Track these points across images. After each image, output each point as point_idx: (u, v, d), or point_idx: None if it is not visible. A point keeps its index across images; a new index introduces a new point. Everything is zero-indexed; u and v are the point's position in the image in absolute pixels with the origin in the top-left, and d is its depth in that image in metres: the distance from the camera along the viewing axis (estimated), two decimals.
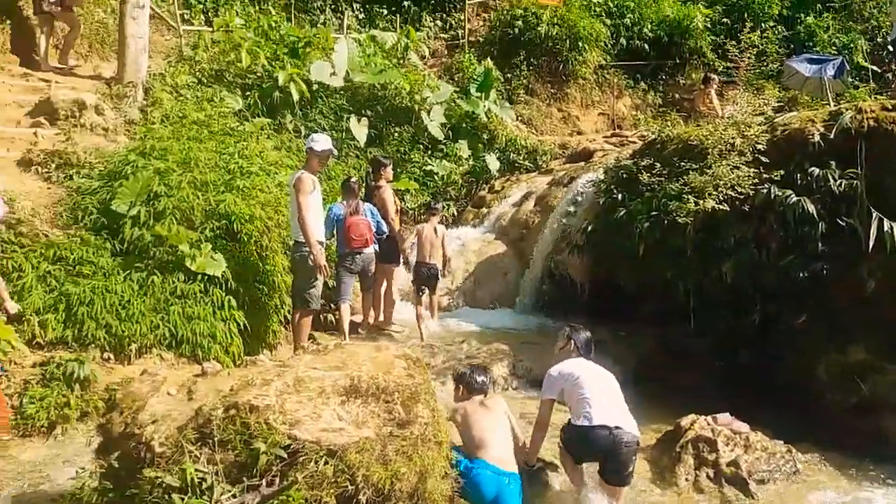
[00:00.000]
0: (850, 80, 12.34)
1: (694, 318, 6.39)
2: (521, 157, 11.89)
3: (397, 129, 11.12)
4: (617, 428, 3.86)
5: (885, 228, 5.47)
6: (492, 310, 8.61)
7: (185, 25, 11.59)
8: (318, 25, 12.93)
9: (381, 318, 7.65)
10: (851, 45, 13.05)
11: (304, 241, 6.06)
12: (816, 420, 5.40)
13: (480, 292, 8.90)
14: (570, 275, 8.12)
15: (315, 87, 10.28)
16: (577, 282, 8.05)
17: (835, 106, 9.87)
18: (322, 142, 6.33)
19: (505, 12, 14.62)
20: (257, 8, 12.91)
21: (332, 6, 14.00)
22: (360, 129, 10.30)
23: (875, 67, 12.92)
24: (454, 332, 7.72)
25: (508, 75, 13.69)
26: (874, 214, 5.58)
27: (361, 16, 14.32)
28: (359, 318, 7.56)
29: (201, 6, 12.73)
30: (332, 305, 7.30)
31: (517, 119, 13.08)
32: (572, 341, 4.40)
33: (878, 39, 13.14)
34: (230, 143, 7.73)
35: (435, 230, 7.62)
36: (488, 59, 13.08)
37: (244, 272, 6.43)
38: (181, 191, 6.51)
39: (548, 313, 8.18)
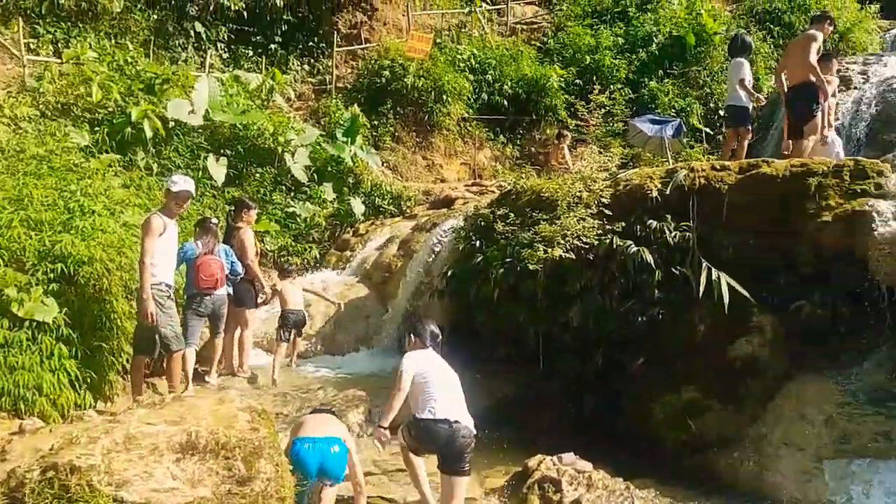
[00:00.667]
0: (686, 140, 13.50)
1: (544, 361, 6.62)
2: (385, 202, 12.00)
3: (259, 169, 10.92)
4: (456, 422, 4.38)
5: (714, 277, 5.95)
6: (351, 354, 8.51)
7: (29, 55, 10.84)
8: (180, 63, 12.52)
9: (235, 363, 7.35)
10: (688, 109, 14.33)
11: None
12: (653, 458, 5.74)
13: (341, 336, 8.79)
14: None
15: (171, 124, 9.90)
16: None
17: (673, 163, 10.81)
18: (180, 182, 6.06)
19: (373, 61, 14.87)
20: (113, 42, 12.31)
21: (195, 44, 13.62)
22: (218, 169, 10.00)
23: (708, 129, 14.25)
24: (311, 378, 7.54)
25: (375, 122, 13.87)
26: (704, 264, 6.07)
27: (226, 55, 14.03)
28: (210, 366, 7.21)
29: (50, 36, 11.96)
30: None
31: (383, 165, 13.24)
32: (418, 337, 4.82)
33: (711, 104, 14.53)
34: (73, 179, 7.24)
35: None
36: (355, 105, 13.21)
37: (80, 318, 5.96)
38: (11, 230, 6.01)
39: None
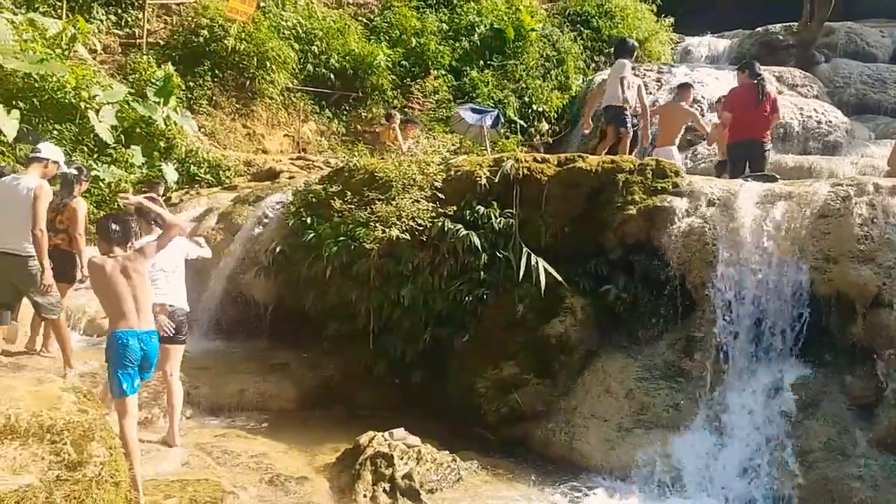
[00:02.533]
0: (503, 130, 14.22)
1: (374, 339, 6.72)
2: (202, 171, 11.35)
3: (57, 126, 9.82)
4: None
5: (533, 262, 6.40)
6: None
7: None
8: None
9: (39, 343, 6.61)
10: (506, 101, 15.08)
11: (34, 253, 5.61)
12: (477, 430, 6.11)
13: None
14: (254, 296, 7.93)
15: None
16: (260, 304, 7.90)
17: (490, 152, 11.35)
18: (57, 153, 6.10)
19: (189, 19, 13.89)
20: None
21: None
22: (8, 123, 8.86)
23: (522, 122, 15.11)
24: None
25: (191, 83, 12.99)
26: (524, 249, 6.51)
27: None
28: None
29: None
30: None
31: (199, 130, 12.47)
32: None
33: (526, 98, 15.39)
34: None
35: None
36: (169, 63, 12.27)
37: None
38: None
39: (228, 337, 7.88)
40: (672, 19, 17.89)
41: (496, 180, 6.98)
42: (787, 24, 16.71)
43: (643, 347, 6.01)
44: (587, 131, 10.37)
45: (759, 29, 17.25)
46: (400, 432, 5.28)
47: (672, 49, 17.87)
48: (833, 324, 5.38)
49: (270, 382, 6.64)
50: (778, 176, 7.09)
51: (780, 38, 16.61)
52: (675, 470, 5.04)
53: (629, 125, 8.38)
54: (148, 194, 6.28)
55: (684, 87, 9.76)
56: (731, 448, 5.09)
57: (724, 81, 12.96)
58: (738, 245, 5.74)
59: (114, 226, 4.30)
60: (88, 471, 2.93)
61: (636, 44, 9.51)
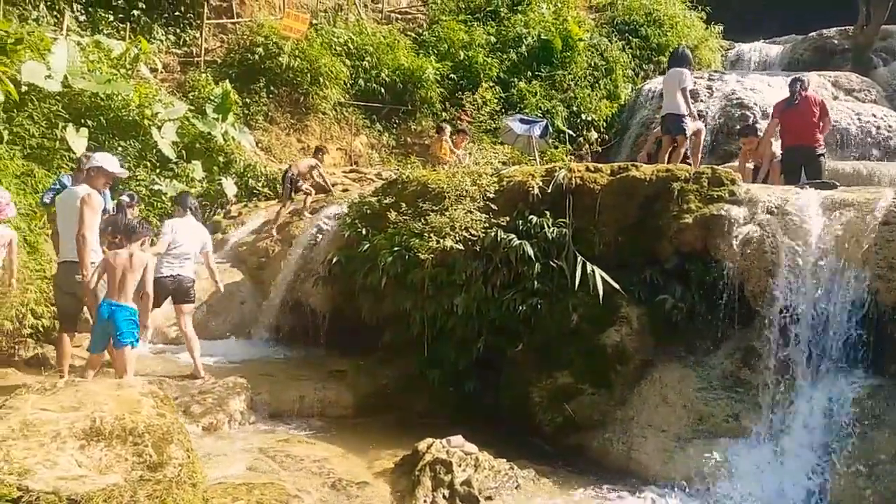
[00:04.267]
0: (551, 140, 14.25)
1: (428, 348, 6.82)
2: (260, 184, 11.68)
3: (122, 143, 10.24)
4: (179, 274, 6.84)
5: (588, 270, 6.41)
6: (226, 341, 8.26)
7: None
8: (30, 22, 11.41)
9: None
10: (553, 111, 15.11)
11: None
12: (532, 439, 6.13)
13: (214, 322, 8.50)
14: (311, 305, 8.14)
15: (25, 89, 9.05)
16: (318, 312, 8.10)
17: (540, 162, 11.40)
18: (114, 162, 6.44)
19: (245, 37, 14.34)
20: None
21: (48, 3, 12.44)
22: (78, 140, 9.29)
23: (571, 132, 15.10)
24: (185, 365, 7.26)
25: (247, 100, 13.41)
26: (579, 258, 6.53)
27: (83, 18, 12.94)
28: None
29: None
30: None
31: (256, 145, 12.84)
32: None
33: (574, 108, 15.39)
34: None
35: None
36: (226, 81, 12.68)
37: None
38: None
39: (287, 344, 8.10)
40: (721, 26, 17.65)
41: (549, 190, 7.04)
42: (843, 27, 16.33)
43: (700, 357, 5.96)
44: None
45: (813, 34, 16.90)
46: (458, 439, 5.35)
47: (723, 56, 17.65)
48: None
49: (329, 389, 6.80)
50: (837, 183, 6.97)
51: (836, 42, 16.25)
52: (734, 481, 4.97)
53: (687, 133, 8.42)
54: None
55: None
56: (793, 460, 5.00)
57: (776, 88, 12.76)
58: (798, 253, 5.66)
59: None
60: (168, 471, 3.08)
61: (689, 53, 9.44)
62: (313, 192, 10.40)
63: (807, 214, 5.88)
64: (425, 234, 6.82)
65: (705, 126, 10.53)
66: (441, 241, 6.66)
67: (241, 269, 9.13)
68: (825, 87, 13.60)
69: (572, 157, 14.03)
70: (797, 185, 7.01)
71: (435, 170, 8.22)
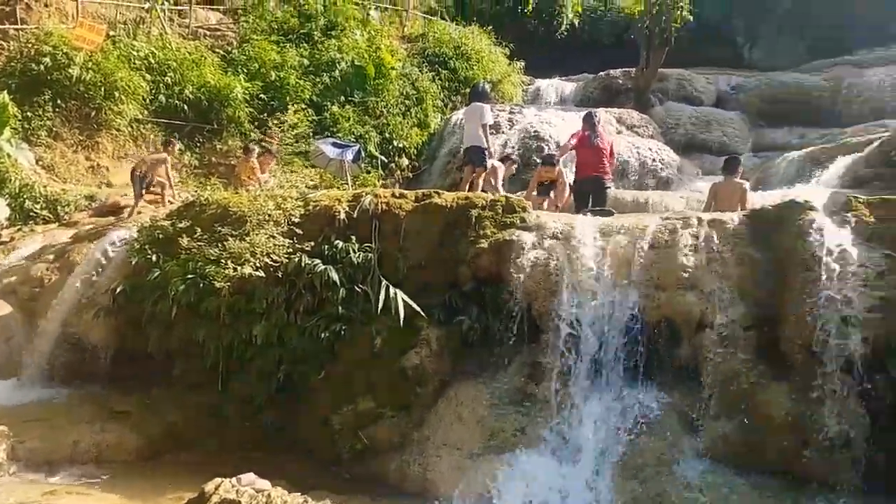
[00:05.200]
0: (363, 165, 14.33)
1: (224, 380, 6.49)
2: (38, 206, 10.55)
3: None
4: None
5: (391, 294, 6.47)
6: None
7: None
8: None
9: None
10: (366, 136, 15.21)
11: None
12: (334, 468, 6.02)
13: None
14: (92, 339, 7.41)
15: None
16: (99, 347, 7.39)
17: (352, 186, 11.41)
18: None
19: (30, 45, 12.98)
20: None
21: None
22: None
23: (383, 157, 15.29)
24: None
25: (29, 114, 12.11)
26: (383, 282, 6.57)
27: None
28: None
29: None
30: None
31: (37, 163, 11.60)
32: None
33: (387, 134, 15.61)
34: None
35: None
36: (4, 92, 11.37)
37: None
38: None
39: (63, 383, 7.30)
40: (523, 63, 18.87)
41: (355, 215, 7.03)
42: (626, 69, 18.13)
43: (493, 375, 6.21)
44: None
45: (602, 74, 18.61)
46: (249, 477, 5.09)
47: (524, 90, 18.84)
48: (662, 346, 5.82)
49: (109, 432, 6.21)
50: (614, 210, 7.65)
51: (620, 82, 18.01)
52: (522, 491, 5.20)
53: (487, 164, 8.94)
54: None
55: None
56: (574, 468, 5.34)
57: (569, 122, 13.82)
58: (578, 275, 6.10)
59: None
60: None
61: (488, 88, 10.14)
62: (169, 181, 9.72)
63: (586, 239, 6.37)
64: (222, 261, 6.51)
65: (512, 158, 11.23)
66: (239, 268, 6.39)
67: (9, 301, 8.12)
68: (611, 122, 14.97)
69: (384, 183, 14.22)
70: (581, 212, 7.60)
71: (237, 192, 7.89)
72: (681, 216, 6.44)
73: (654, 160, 13.73)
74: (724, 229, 5.99)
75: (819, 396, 5.01)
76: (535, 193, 9.49)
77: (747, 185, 8.58)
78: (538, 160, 11.01)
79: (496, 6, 21.84)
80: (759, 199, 8.75)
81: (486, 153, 9.29)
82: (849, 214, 5.47)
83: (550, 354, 5.94)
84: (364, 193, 7.23)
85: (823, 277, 5.16)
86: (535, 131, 14.25)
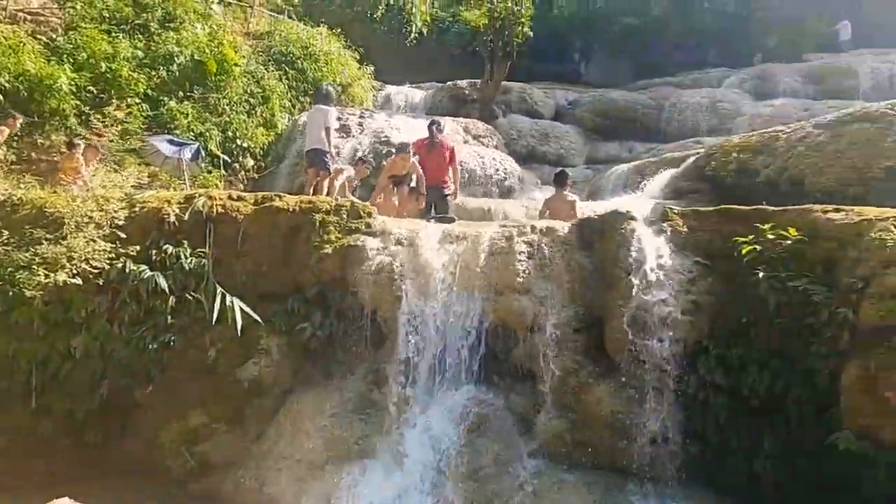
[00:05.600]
0: (204, 165, 13.64)
1: (39, 397, 5.91)
2: None
3: None
4: None
5: (228, 302, 6.19)
6: None
7: None
8: None
9: None
10: (207, 134, 14.47)
11: None
12: (166, 488, 5.65)
13: None
14: None
15: None
16: None
17: (190, 186, 10.83)
18: None
19: None
20: None
21: None
22: None
23: (226, 157, 14.65)
24: None
25: None
26: (219, 290, 6.27)
27: None
28: None
29: None
30: None
31: None
32: None
33: (229, 133, 14.96)
34: None
35: None
36: None
37: None
38: None
39: None
40: (373, 67, 18.87)
41: (186, 218, 6.66)
42: (473, 80, 18.67)
43: (337, 382, 6.14)
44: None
45: (450, 83, 19.03)
46: (63, 502, 4.68)
47: (374, 95, 18.84)
48: (500, 348, 6.03)
49: None
50: (456, 217, 7.83)
51: (467, 92, 18.49)
52: (363, 499, 5.17)
53: (330, 168, 8.80)
54: None
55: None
56: (415, 473, 5.39)
57: (419, 129, 13.99)
58: (421, 280, 6.18)
59: None
60: None
61: (333, 91, 9.98)
62: None
63: (430, 246, 6.46)
64: (34, 267, 5.92)
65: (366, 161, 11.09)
66: (52, 275, 5.84)
67: None
68: (458, 131, 15.34)
69: (227, 184, 13.64)
70: (425, 219, 7.70)
71: (55, 191, 7.21)
72: (516, 224, 6.71)
73: (497, 170, 14.21)
74: (555, 237, 6.31)
75: (639, 395, 5.41)
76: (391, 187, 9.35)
77: (576, 197, 9.13)
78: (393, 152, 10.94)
79: (346, 9, 21.65)
80: (591, 209, 9.33)
81: (329, 157, 9.18)
82: (665, 224, 5.95)
83: (394, 360, 5.97)
84: (197, 195, 6.88)
85: (642, 282, 5.58)
86: (385, 136, 14.29)
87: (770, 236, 5.22)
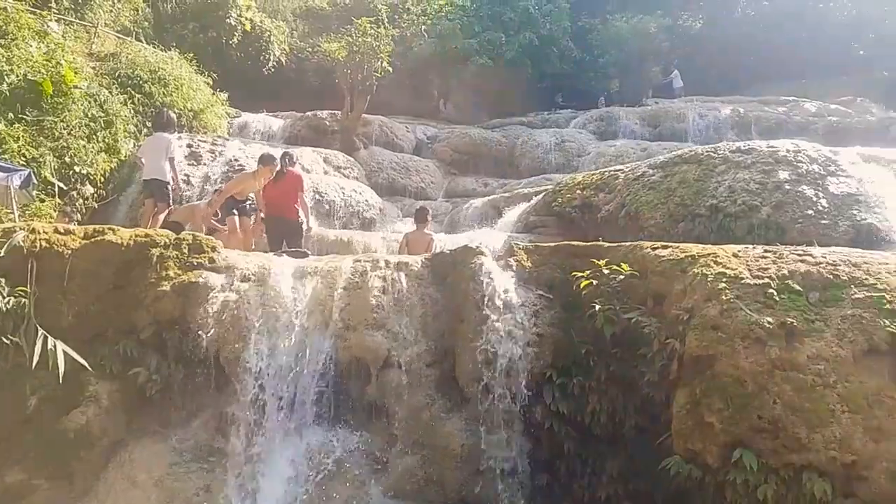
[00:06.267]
0: (35, 192, 12.54)
1: None
2: None
3: None
4: None
5: (49, 346, 5.63)
6: None
7: None
8: None
9: None
10: (41, 160, 13.35)
11: None
12: None
13: None
14: None
15: None
16: None
17: (20, 217, 9.90)
18: None
19: None
20: None
21: None
22: None
23: (62, 184, 13.55)
24: None
25: None
26: (40, 332, 5.69)
27: None
28: None
29: None
30: None
31: None
32: None
33: (66, 159, 13.87)
34: None
35: None
36: None
37: None
38: None
39: None
40: (228, 94, 18.30)
41: (2, 254, 6.02)
42: (334, 111, 18.59)
43: (176, 430, 5.74)
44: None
45: (309, 113, 18.83)
46: None
47: (229, 123, 18.24)
48: (353, 386, 5.91)
49: None
50: (309, 252, 7.67)
51: (327, 123, 18.38)
52: None
53: (170, 199, 8.37)
54: None
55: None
56: None
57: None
58: (271, 319, 5.95)
59: None
60: None
61: (173, 116, 9.56)
62: None
63: (280, 282, 6.25)
64: None
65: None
66: None
67: None
68: (318, 162, 15.15)
69: (62, 213, 12.58)
70: (276, 253, 7.47)
71: None
72: (371, 258, 6.66)
73: (358, 201, 14.14)
74: (409, 271, 6.33)
75: (489, 427, 5.49)
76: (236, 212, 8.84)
77: (433, 234, 9.28)
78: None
79: (199, 35, 20.90)
80: (447, 242, 9.50)
81: (170, 188, 8.77)
82: (511, 259, 6.14)
83: (240, 404, 5.68)
84: (17, 228, 6.26)
85: (491, 316, 5.70)
86: (239, 165, 13.81)
87: (605, 271, 5.53)
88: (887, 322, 4.52)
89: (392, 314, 6.08)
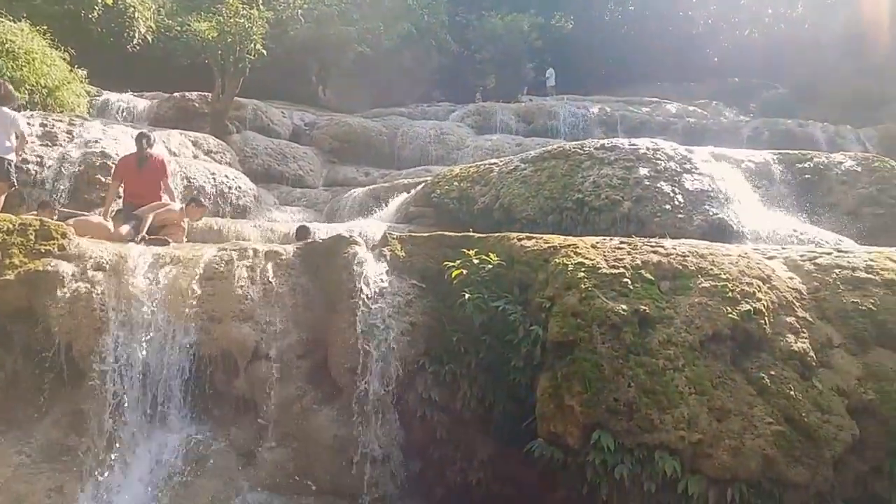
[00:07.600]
0: None
1: None
2: None
3: None
4: None
5: None
6: None
7: None
8: None
9: None
10: None
11: None
12: None
13: None
14: None
15: None
16: None
17: None
18: None
19: None
20: None
21: None
22: None
23: None
24: None
25: None
26: None
27: None
28: None
29: None
30: None
31: None
32: None
33: None
34: None
35: None
36: None
37: None
38: None
39: None
40: (86, 71, 17.04)
41: None
42: (203, 93, 17.78)
43: (23, 429, 5.31)
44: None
45: (177, 94, 17.93)
46: None
47: (89, 102, 17.00)
48: (219, 380, 5.71)
49: None
50: (169, 239, 7.31)
51: (197, 105, 17.58)
52: None
53: (14, 179, 7.71)
54: None
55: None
56: None
57: None
58: (129, 310, 5.63)
59: None
60: None
61: (11, 89, 8.79)
62: None
63: (137, 271, 5.92)
64: None
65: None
66: None
67: None
68: (186, 145, 14.42)
69: None
70: (133, 241, 7.06)
71: None
72: (237, 247, 6.45)
73: (230, 188, 13.60)
74: (279, 260, 6.18)
75: (362, 417, 5.48)
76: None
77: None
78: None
79: (54, 6, 19.28)
80: (324, 232, 9.36)
81: (12, 166, 8.08)
82: (385, 249, 6.15)
83: (96, 399, 5.34)
84: None
85: (364, 305, 5.69)
86: (101, 148, 12.88)
87: (475, 261, 5.66)
88: (729, 309, 4.94)
89: (261, 305, 5.91)
